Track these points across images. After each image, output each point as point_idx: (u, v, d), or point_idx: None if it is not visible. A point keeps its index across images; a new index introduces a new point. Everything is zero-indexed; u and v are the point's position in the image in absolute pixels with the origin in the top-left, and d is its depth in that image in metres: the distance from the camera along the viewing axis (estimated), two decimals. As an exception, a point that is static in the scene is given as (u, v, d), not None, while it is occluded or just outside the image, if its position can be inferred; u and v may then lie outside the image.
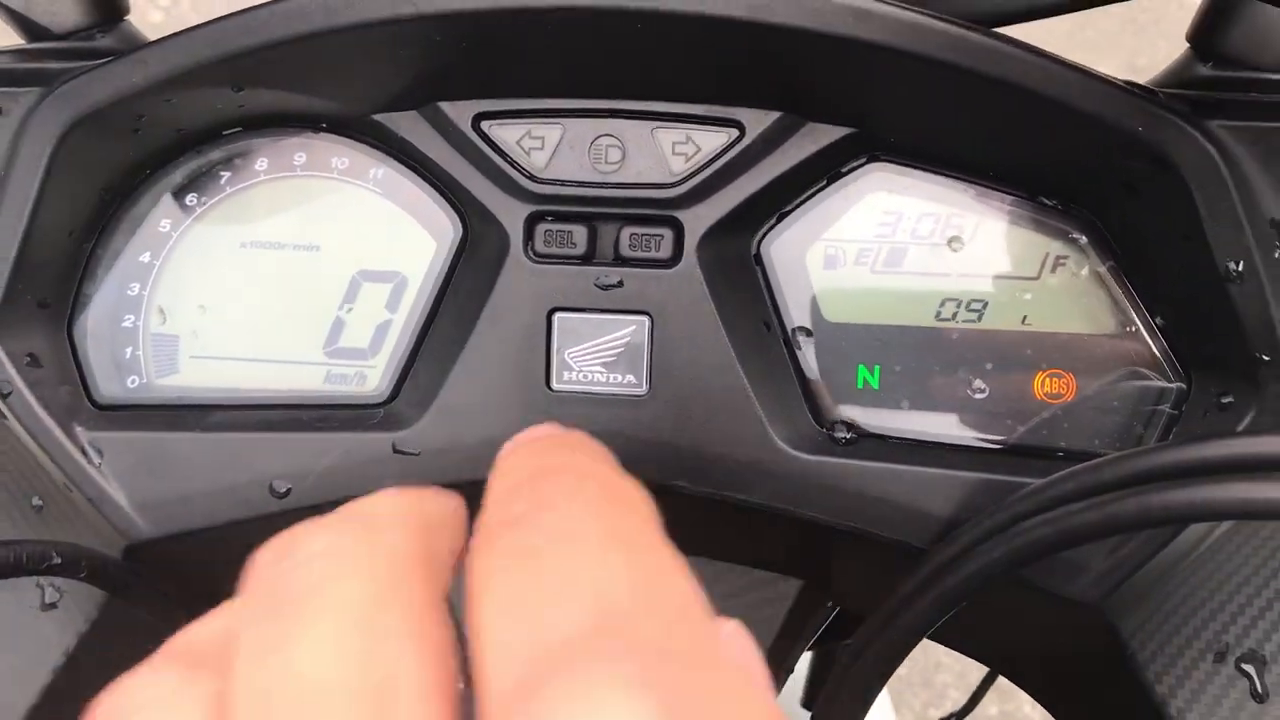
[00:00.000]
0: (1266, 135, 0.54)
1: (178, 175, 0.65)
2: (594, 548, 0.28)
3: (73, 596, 0.68)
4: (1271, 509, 0.46)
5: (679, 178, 0.60)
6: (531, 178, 0.60)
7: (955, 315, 0.62)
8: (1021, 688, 0.72)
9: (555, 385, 0.61)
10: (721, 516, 0.64)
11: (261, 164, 0.65)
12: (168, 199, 0.66)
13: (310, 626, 0.26)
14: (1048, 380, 0.61)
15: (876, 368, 0.62)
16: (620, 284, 0.60)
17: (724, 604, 0.70)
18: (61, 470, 0.62)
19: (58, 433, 0.62)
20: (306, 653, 0.26)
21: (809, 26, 0.52)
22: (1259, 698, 0.61)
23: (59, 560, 0.57)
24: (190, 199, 0.66)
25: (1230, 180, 0.53)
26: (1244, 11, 0.62)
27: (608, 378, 0.61)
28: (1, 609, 0.70)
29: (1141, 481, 0.51)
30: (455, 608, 0.29)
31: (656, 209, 0.60)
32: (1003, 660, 0.73)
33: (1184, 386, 0.59)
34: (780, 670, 0.72)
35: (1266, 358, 0.55)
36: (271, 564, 0.30)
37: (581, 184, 0.60)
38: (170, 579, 0.65)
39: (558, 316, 0.61)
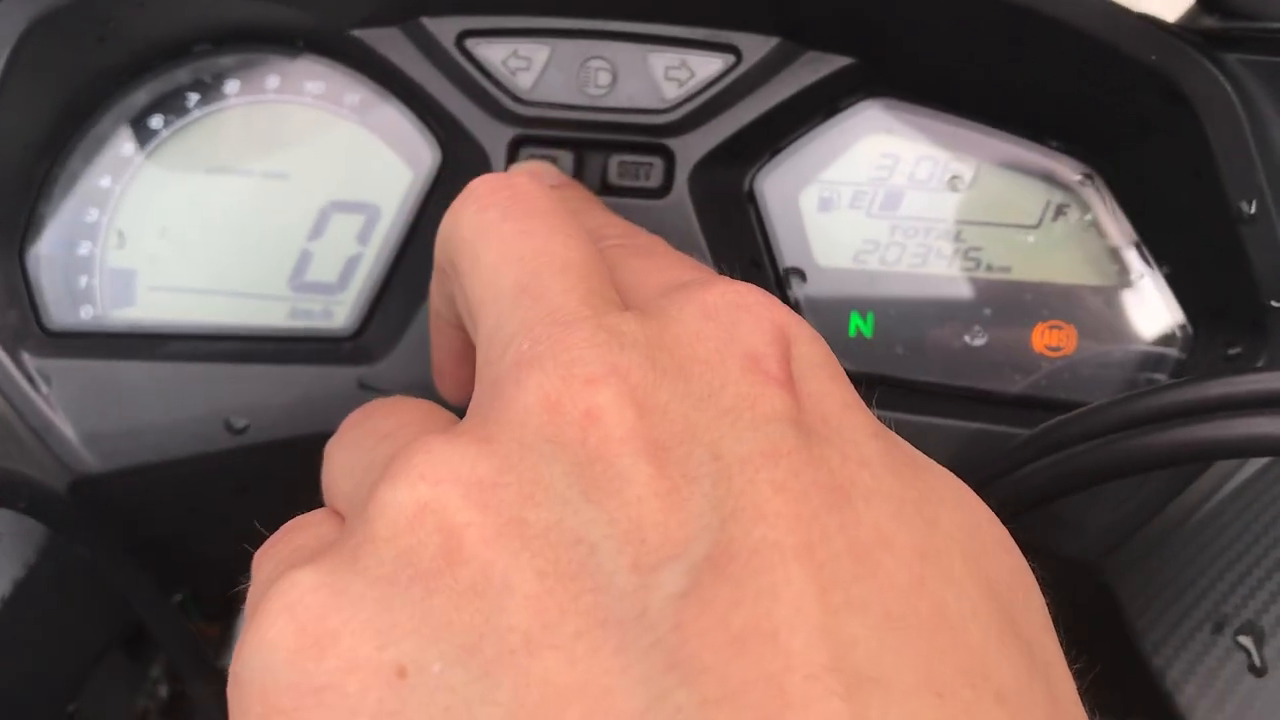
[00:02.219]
0: None
1: (143, 95, 0.62)
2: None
3: (10, 540, 0.64)
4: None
5: (672, 104, 0.57)
6: (517, 99, 0.57)
7: (952, 261, 0.59)
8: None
9: (534, 320, 0.58)
10: None
11: (232, 87, 0.62)
12: (131, 122, 0.62)
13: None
14: (1048, 332, 0.59)
15: (870, 314, 0.60)
16: None
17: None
18: (5, 398, 0.59)
19: (3, 357, 0.58)
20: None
21: None
22: (1257, 671, 0.59)
23: (-3, 486, 0.53)
24: (155, 121, 0.62)
25: (1244, 115, 0.51)
26: (1253, -38, 0.60)
27: (590, 313, 0.58)
28: (-66, 552, 0.66)
29: (1148, 421, 0.48)
30: None
31: (647, 136, 0.57)
32: None
33: (1190, 339, 0.57)
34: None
35: (1276, 304, 0.53)
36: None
37: (569, 107, 0.57)
38: (117, 519, 0.61)
39: (539, 247, 0.58)
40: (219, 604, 1.10)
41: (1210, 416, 0.46)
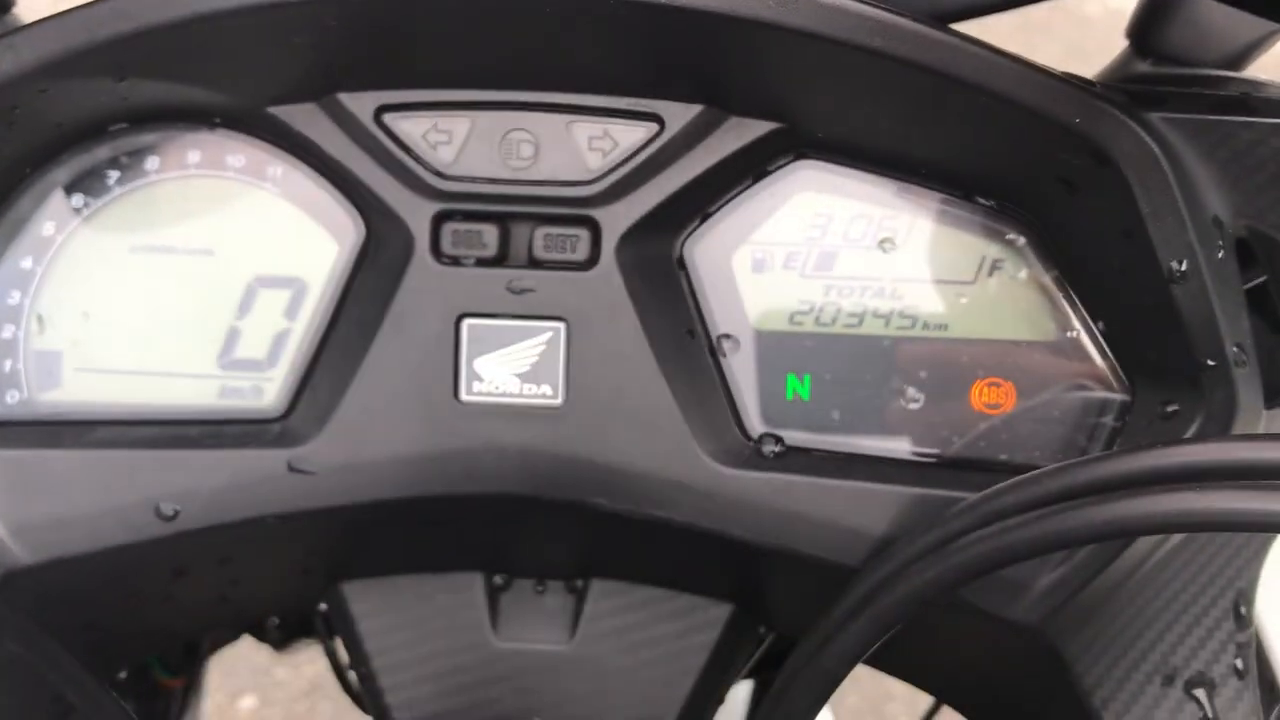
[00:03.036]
0: (1208, 129, 0.52)
1: (62, 174, 0.61)
2: None
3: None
4: (1218, 519, 0.44)
5: (596, 175, 0.56)
6: (438, 174, 0.56)
7: (889, 321, 0.59)
8: (964, 715, 0.69)
9: (464, 396, 0.57)
10: (645, 536, 0.60)
11: (153, 163, 0.61)
12: (53, 199, 0.61)
13: None
14: (986, 389, 0.58)
15: (807, 377, 0.59)
16: (533, 289, 0.57)
17: (650, 630, 0.66)
18: None
19: None
20: None
21: (728, 11, 0.49)
22: (1207, 723, 0.58)
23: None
24: (77, 200, 0.61)
25: (1171, 174, 0.50)
26: (1183, 7, 0.60)
27: (521, 388, 0.57)
28: None
29: (1083, 494, 0.48)
30: None
31: (572, 208, 0.56)
32: (943, 687, 0.70)
33: (1127, 396, 0.57)
34: (710, 701, 0.68)
35: (1211, 363, 0.52)
36: None
37: (492, 180, 0.56)
38: (56, 610, 0.60)
39: (467, 323, 0.57)
40: (180, 658, 1.09)
41: (1146, 489, 0.45)
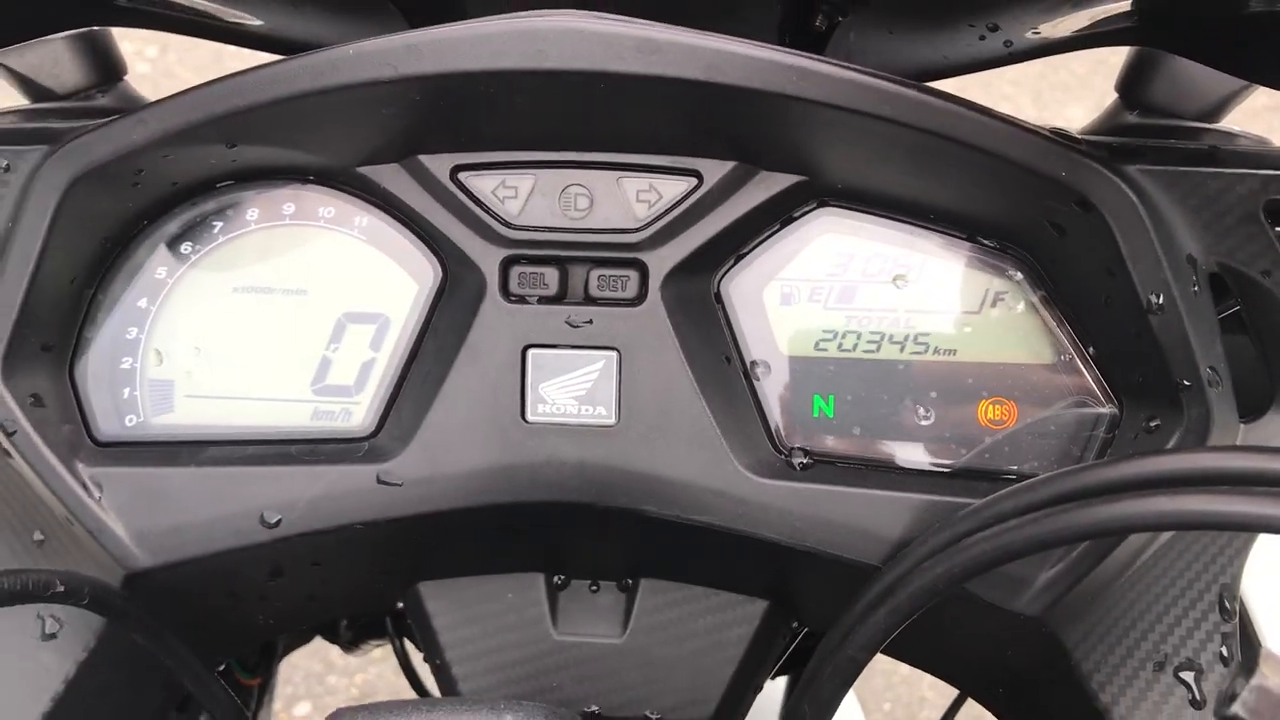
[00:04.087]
0: (1181, 179, 0.59)
1: (173, 225, 0.70)
2: None
3: (72, 627, 0.72)
4: (1190, 519, 0.51)
5: (643, 223, 0.64)
6: (506, 224, 0.65)
7: (903, 348, 0.66)
8: (976, 700, 0.76)
9: (530, 417, 0.65)
10: (688, 540, 0.68)
11: (252, 214, 0.70)
12: (164, 248, 0.70)
13: None
14: (991, 408, 0.66)
15: (831, 397, 0.67)
16: (590, 322, 0.64)
17: (694, 624, 0.73)
18: (63, 504, 0.66)
19: (60, 469, 0.66)
20: None
21: (757, 86, 0.57)
22: (1197, 705, 0.65)
23: (62, 588, 0.60)
24: (185, 247, 0.70)
25: (1148, 220, 0.58)
26: (1166, 64, 0.67)
27: (579, 410, 0.65)
28: (3, 640, 0.73)
29: (1073, 498, 0.55)
30: None
31: (622, 252, 0.64)
32: (956, 674, 0.76)
33: (1116, 412, 0.64)
34: (748, 689, 0.75)
35: (1188, 383, 0.59)
36: None
37: (552, 229, 0.65)
38: (167, 608, 0.68)
39: (531, 353, 0.65)
40: (257, 658, 1.18)
41: (1125, 495, 0.52)
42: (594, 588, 0.75)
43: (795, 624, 0.76)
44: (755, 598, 0.73)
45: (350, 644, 1.10)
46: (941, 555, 0.59)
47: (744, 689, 0.74)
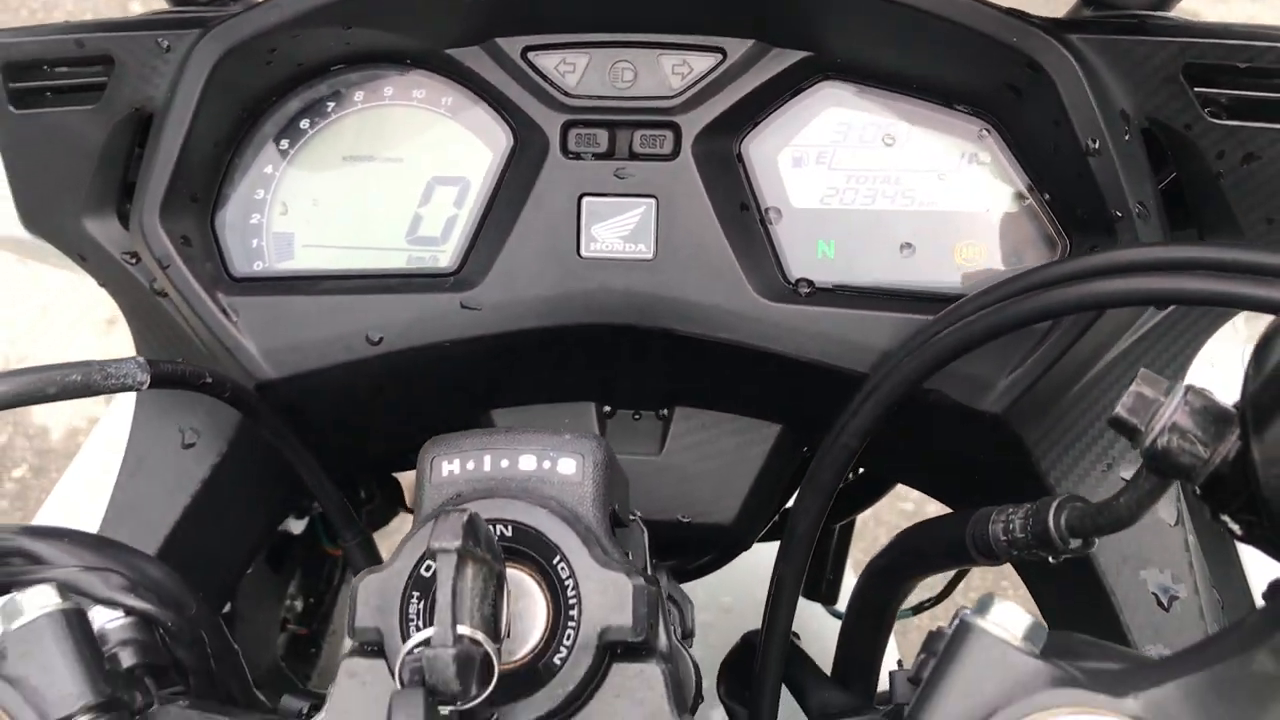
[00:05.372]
0: (1113, 45, 0.72)
1: (295, 103, 0.85)
2: None
3: (206, 439, 0.88)
4: (1118, 297, 0.63)
5: (677, 92, 0.79)
6: (566, 94, 0.80)
7: (893, 200, 0.80)
8: (944, 503, 0.89)
9: (584, 253, 0.80)
10: (714, 368, 0.82)
11: (358, 96, 0.85)
12: (287, 123, 0.85)
13: None
14: (965, 248, 0.79)
15: (832, 242, 0.81)
16: (633, 174, 0.79)
17: (719, 444, 0.87)
18: (206, 327, 0.81)
19: (205, 297, 0.81)
20: None
21: None
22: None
23: (210, 380, 0.75)
24: (304, 123, 0.85)
25: (1084, 78, 0.71)
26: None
27: (624, 246, 0.79)
28: (150, 449, 0.89)
29: (1020, 294, 0.69)
30: None
31: (660, 115, 0.79)
32: (928, 481, 0.90)
33: (1067, 244, 0.77)
34: (765, 501, 0.89)
35: (1120, 214, 0.72)
36: None
37: (603, 98, 0.79)
38: (288, 413, 0.84)
39: (585, 200, 0.80)
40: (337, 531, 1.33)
41: (1064, 284, 0.65)
42: (636, 416, 0.89)
43: (805, 449, 0.90)
44: (770, 422, 0.87)
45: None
46: (916, 351, 0.72)
47: (760, 499, 0.88)
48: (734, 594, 1.28)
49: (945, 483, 0.89)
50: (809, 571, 1.32)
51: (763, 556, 1.19)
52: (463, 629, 0.50)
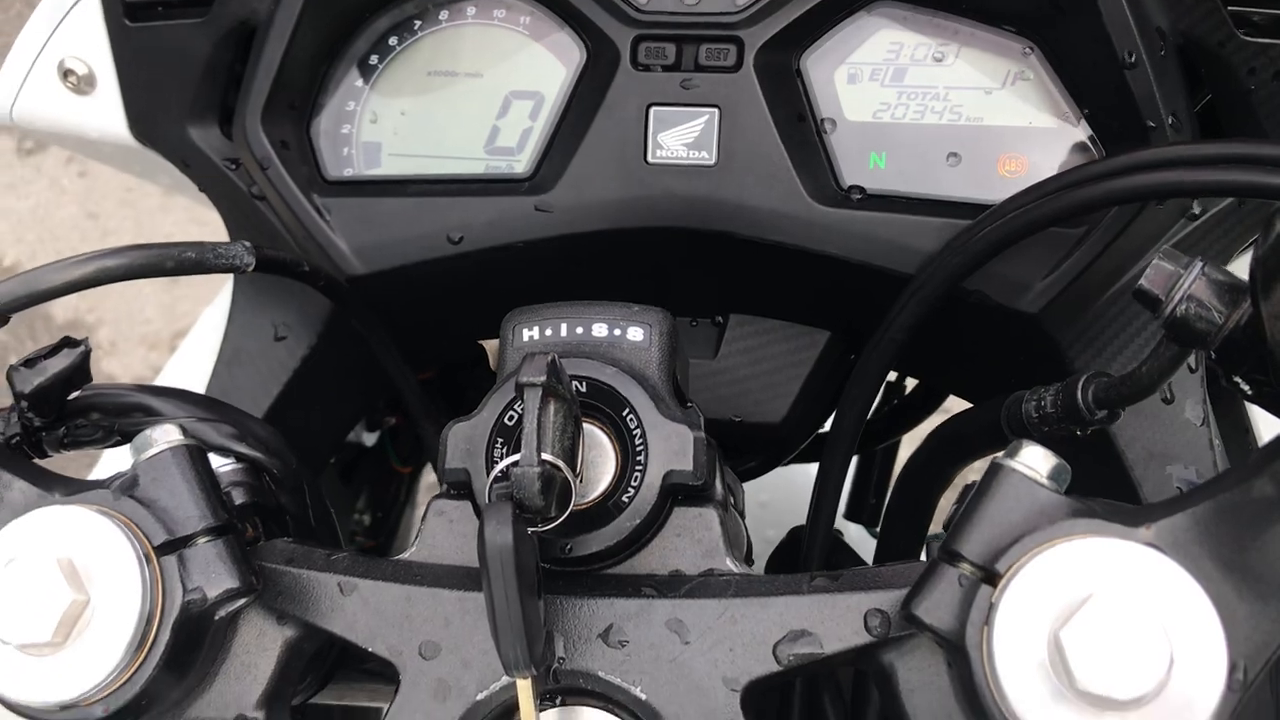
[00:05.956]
0: None
1: (384, 22, 0.92)
2: None
3: (295, 333, 0.95)
4: (1152, 189, 0.68)
5: (740, 8, 0.84)
6: (637, 9, 0.86)
7: (941, 116, 0.85)
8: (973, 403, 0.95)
9: (650, 160, 0.86)
10: (767, 274, 0.88)
11: (444, 15, 0.92)
12: (378, 39, 0.92)
13: None
14: (1008, 161, 0.84)
15: (884, 154, 0.86)
16: (699, 85, 0.85)
17: (770, 349, 0.93)
18: (302, 225, 0.88)
19: (300, 197, 0.88)
20: None
21: None
22: (1166, 400, 0.83)
23: (307, 268, 0.82)
24: (393, 40, 0.92)
25: None
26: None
27: (688, 153, 0.85)
28: (244, 342, 0.97)
29: (1056, 190, 0.74)
30: None
31: (725, 29, 0.85)
32: (963, 382, 0.96)
33: (1101, 156, 0.82)
34: (812, 403, 0.95)
35: (1153, 124, 0.77)
36: None
37: (672, 13, 0.85)
38: (377, 307, 0.91)
39: (653, 109, 0.86)
40: (410, 449, 1.41)
41: (1102, 179, 0.71)
42: (694, 323, 0.95)
43: (851, 357, 0.96)
44: (819, 329, 0.93)
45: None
46: (959, 248, 0.78)
47: (808, 402, 0.94)
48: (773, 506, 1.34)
49: (983, 386, 0.95)
50: (851, 494, 1.39)
51: (798, 476, 1.25)
52: (546, 455, 0.57)
